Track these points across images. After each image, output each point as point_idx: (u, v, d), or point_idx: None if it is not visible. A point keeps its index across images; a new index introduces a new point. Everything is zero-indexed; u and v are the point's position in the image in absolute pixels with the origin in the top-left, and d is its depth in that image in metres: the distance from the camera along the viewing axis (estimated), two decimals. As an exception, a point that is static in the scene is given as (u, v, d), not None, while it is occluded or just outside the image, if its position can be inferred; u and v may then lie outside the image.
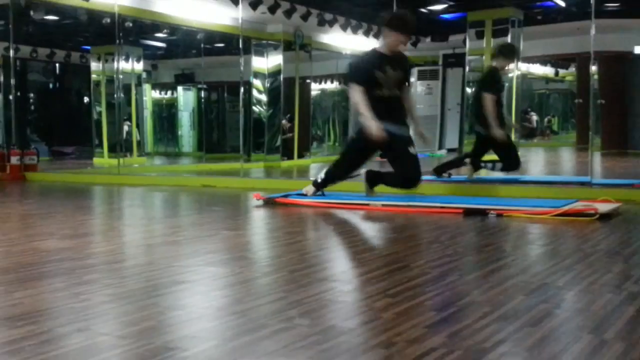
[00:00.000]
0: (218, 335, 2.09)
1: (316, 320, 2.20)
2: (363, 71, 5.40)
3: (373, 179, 5.69)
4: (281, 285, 2.77)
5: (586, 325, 2.15)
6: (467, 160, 7.10)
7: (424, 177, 6.87)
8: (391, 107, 5.38)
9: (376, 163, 6.68)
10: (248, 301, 2.51)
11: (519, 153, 7.39)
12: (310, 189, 5.72)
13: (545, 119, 18.25)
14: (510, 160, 6.83)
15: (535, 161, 11.75)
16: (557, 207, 4.85)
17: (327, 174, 5.73)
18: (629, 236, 4.05)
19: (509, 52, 6.98)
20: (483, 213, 4.91)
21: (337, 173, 5.77)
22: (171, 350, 1.88)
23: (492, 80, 6.78)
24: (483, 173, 7.18)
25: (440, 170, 7.17)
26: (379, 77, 5.29)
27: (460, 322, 2.19)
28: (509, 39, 10.31)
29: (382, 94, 5.31)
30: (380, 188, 5.75)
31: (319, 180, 5.70)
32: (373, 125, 5.14)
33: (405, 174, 5.45)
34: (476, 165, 6.96)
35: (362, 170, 5.77)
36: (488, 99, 6.48)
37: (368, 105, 5.24)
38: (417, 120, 5.75)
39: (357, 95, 5.28)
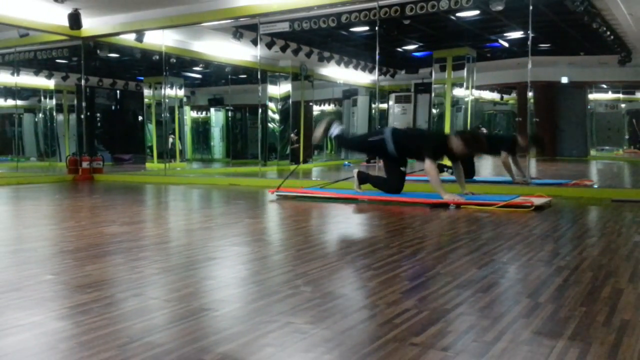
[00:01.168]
0: (241, 299, 2.08)
1: (317, 288, 2.20)
2: (439, 153, 5.31)
3: (362, 178, 5.69)
4: (290, 261, 2.77)
5: (524, 292, 2.15)
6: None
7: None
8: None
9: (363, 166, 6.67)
10: (264, 273, 2.51)
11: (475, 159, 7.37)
12: (319, 132, 5.77)
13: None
14: (467, 169, 6.79)
15: (485, 166, 11.73)
16: (502, 200, 4.86)
17: (338, 137, 5.79)
18: (557, 223, 4.05)
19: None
20: (445, 205, 4.91)
21: (344, 143, 5.80)
22: (206, 311, 1.88)
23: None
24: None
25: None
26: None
27: (428, 289, 2.18)
28: (465, 72, 10.33)
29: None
30: (366, 186, 5.76)
31: (331, 132, 5.72)
32: (446, 195, 5.03)
33: (391, 186, 5.48)
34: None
35: (355, 170, 5.76)
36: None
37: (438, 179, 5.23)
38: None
39: (431, 168, 5.12)
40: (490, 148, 6.66)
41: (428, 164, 5.11)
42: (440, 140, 5.39)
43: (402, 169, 5.49)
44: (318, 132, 5.76)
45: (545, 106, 13.19)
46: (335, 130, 5.69)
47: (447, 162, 6.47)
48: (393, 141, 5.34)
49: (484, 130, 16.87)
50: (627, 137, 13.30)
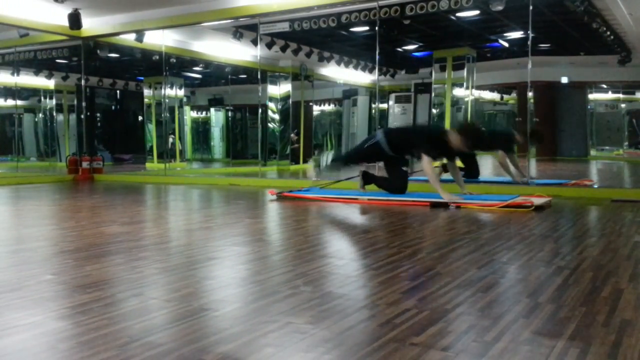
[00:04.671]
0: (241, 299, 2.08)
1: (316, 288, 2.19)
2: (436, 152, 5.20)
3: (367, 178, 5.69)
4: (290, 261, 2.77)
5: (524, 292, 2.15)
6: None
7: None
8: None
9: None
10: (264, 273, 2.51)
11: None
12: (310, 173, 5.81)
13: (493, 133, 18.21)
14: (471, 170, 6.79)
15: (485, 165, 11.73)
16: (503, 200, 4.85)
17: (333, 160, 5.77)
18: (557, 223, 4.05)
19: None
20: (445, 205, 4.91)
21: (342, 161, 5.80)
22: (205, 311, 1.88)
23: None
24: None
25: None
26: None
27: (428, 288, 2.18)
28: (465, 72, 10.33)
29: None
30: (370, 187, 5.76)
31: (325, 165, 5.75)
32: (447, 195, 4.97)
33: (396, 186, 5.47)
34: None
35: (359, 170, 5.76)
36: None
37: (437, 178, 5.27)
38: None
39: (429, 168, 5.05)
40: (489, 143, 6.65)
41: (424, 162, 5.02)
42: (436, 136, 5.24)
43: (403, 168, 5.49)
44: (310, 172, 5.81)
45: (545, 106, 13.19)
46: (327, 158, 5.74)
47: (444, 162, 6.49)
48: (387, 142, 5.32)
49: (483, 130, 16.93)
50: (626, 136, 13.29)
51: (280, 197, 5.66)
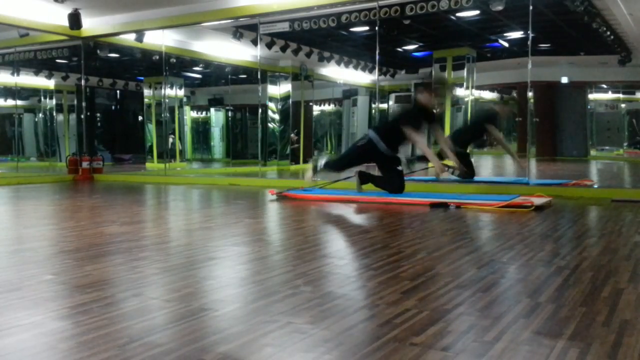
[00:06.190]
0: (241, 299, 2.08)
1: (317, 288, 2.19)
2: (416, 120, 5.37)
3: (364, 178, 5.70)
4: (290, 261, 2.77)
5: (524, 292, 2.15)
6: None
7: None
8: (393, 139, 5.46)
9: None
10: (264, 273, 2.51)
11: (472, 159, 7.39)
12: (309, 174, 5.79)
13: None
14: (467, 170, 6.84)
15: (485, 165, 11.73)
16: (503, 200, 4.85)
17: (326, 164, 5.79)
18: (557, 223, 4.05)
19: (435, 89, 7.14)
20: (445, 205, 4.91)
21: (335, 166, 5.82)
22: (205, 311, 1.88)
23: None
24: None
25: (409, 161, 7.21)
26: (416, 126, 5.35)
27: (428, 289, 2.18)
28: (465, 72, 10.33)
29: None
30: (368, 186, 5.76)
31: (319, 167, 5.77)
32: (438, 163, 5.33)
33: (395, 185, 5.53)
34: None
35: (355, 170, 5.78)
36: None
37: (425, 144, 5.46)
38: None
39: (416, 136, 5.30)
40: (475, 127, 6.79)
41: (412, 134, 5.26)
42: (411, 109, 5.56)
43: (398, 168, 5.51)
44: (308, 175, 5.84)
45: (545, 106, 13.19)
46: (321, 161, 5.80)
47: (448, 162, 6.50)
48: (380, 138, 5.40)
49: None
50: (626, 136, 13.29)
51: (280, 197, 5.66)
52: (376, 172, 5.83)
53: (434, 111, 5.53)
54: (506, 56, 11.40)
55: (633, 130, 13.17)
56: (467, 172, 6.75)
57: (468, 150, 7.09)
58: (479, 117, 7.16)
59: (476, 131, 7.00)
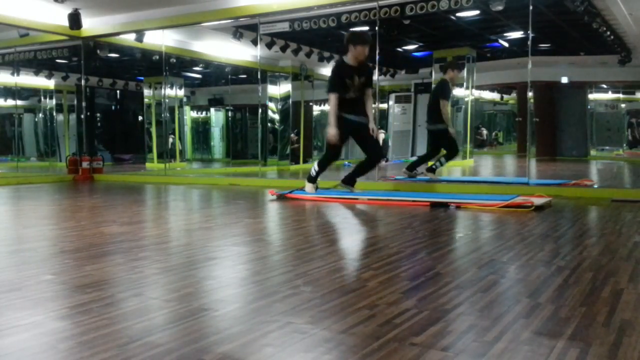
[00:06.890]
0: (241, 299, 2.08)
1: (316, 288, 2.19)
2: (339, 81, 5.45)
3: (349, 181, 5.74)
4: (290, 261, 2.77)
5: (524, 292, 2.15)
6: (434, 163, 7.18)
7: (398, 177, 6.89)
8: (355, 104, 5.51)
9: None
10: (264, 273, 2.51)
11: (473, 159, 7.41)
12: (309, 187, 5.74)
13: (493, 133, 18.24)
14: (451, 149, 7.00)
15: (485, 165, 11.73)
16: (503, 200, 4.85)
17: (319, 165, 5.79)
18: (557, 223, 4.05)
19: (458, 65, 7.28)
20: (445, 205, 4.91)
21: (324, 160, 5.83)
22: (205, 311, 1.88)
23: (446, 89, 7.03)
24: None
25: (411, 168, 7.22)
26: (348, 84, 5.43)
27: (428, 288, 2.18)
28: (465, 72, 10.33)
29: (350, 96, 5.46)
30: (369, 186, 5.76)
31: (313, 175, 5.74)
32: (332, 131, 5.41)
33: (371, 156, 5.65)
34: (431, 169, 7.12)
35: (340, 180, 5.85)
36: (444, 104, 6.78)
37: (337, 113, 5.43)
38: (371, 115, 5.65)
39: (331, 103, 5.45)
40: (434, 103, 7.01)
41: (329, 99, 5.41)
42: (337, 67, 5.57)
43: (370, 134, 5.59)
44: (309, 189, 5.78)
45: (545, 106, 13.20)
46: (312, 171, 5.86)
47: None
48: (337, 125, 5.49)
49: (484, 130, 16.96)
50: (626, 137, 13.29)
51: (281, 197, 5.66)
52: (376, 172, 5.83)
53: (368, 65, 5.58)
54: (506, 56, 11.41)
55: (633, 130, 13.17)
56: (451, 152, 6.99)
57: (452, 130, 7.15)
58: (434, 91, 7.35)
59: (437, 106, 7.09)
